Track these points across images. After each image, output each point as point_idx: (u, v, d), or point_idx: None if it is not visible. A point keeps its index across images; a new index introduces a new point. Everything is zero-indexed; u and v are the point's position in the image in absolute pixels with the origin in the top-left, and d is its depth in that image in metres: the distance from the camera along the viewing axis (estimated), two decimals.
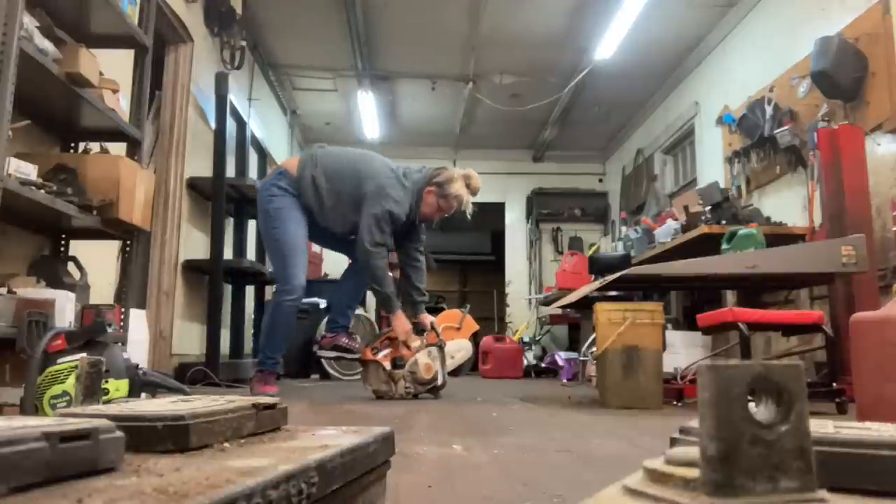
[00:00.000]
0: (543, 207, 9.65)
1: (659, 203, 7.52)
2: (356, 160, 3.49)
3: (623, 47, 6.13)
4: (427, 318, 3.58)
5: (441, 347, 3.47)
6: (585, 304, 4.09)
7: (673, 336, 4.15)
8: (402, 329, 3.43)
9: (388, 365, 3.39)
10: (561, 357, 6.56)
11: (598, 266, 5.31)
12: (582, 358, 5.32)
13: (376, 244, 3.35)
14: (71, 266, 2.99)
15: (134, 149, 3.12)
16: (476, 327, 3.94)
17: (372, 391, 3.45)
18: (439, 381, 3.44)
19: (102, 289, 3.27)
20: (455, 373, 3.77)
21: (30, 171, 2.34)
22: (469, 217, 3.53)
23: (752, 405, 0.40)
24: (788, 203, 4.87)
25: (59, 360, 1.94)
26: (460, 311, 3.87)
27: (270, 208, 3.43)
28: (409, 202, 3.40)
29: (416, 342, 3.46)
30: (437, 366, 3.43)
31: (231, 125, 5.20)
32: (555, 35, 6.41)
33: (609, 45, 6.08)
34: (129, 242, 3.07)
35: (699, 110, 6.67)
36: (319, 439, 0.70)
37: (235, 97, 5.62)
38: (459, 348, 3.67)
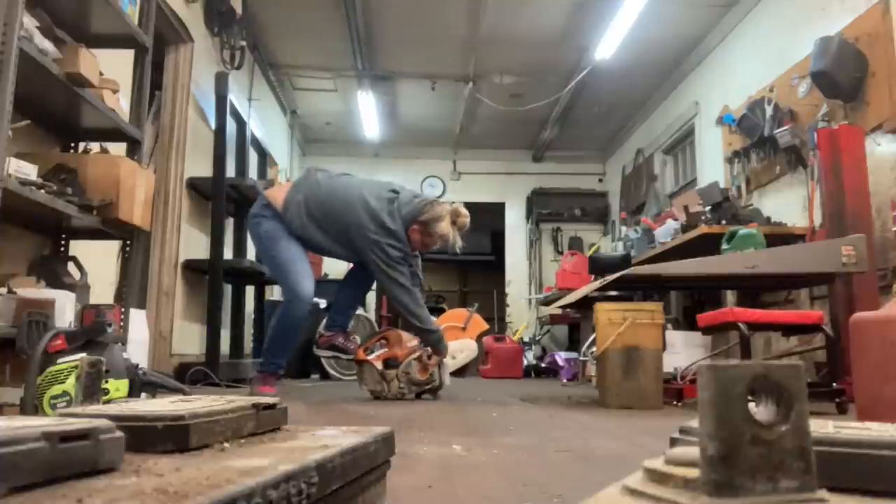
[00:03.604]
0: (543, 207, 9.65)
1: (659, 203, 7.52)
2: (341, 205, 3.32)
3: (623, 47, 6.13)
4: None
5: None
6: (585, 304, 4.09)
7: (673, 336, 4.14)
8: (443, 359, 3.45)
9: (379, 365, 3.38)
10: (561, 357, 6.56)
11: (598, 266, 5.31)
12: (582, 358, 5.31)
13: (408, 292, 3.30)
14: (71, 266, 2.99)
15: (134, 149, 3.12)
16: (484, 327, 3.89)
17: (368, 391, 3.44)
18: (437, 382, 3.43)
19: (102, 289, 3.27)
20: (460, 373, 3.73)
21: (30, 171, 2.34)
22: (459, 250, 3.49)
23: (752, 405, 0.40)
24: (788, 203, 4.87)
25: (59, 360, 1.94)
26: (467, 311, 3.82)
27: (261, 232, 3.39)
28: (405, 238, 3.34)
29: (412, 342, 3.45)
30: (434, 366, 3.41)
31: (231, 125, 5.19)
32: (555, 35, 6.41)
33: (609, 44, 6.07)
34: (129, 242, 3.07)
35: (699, 110, 6.67)
36: (319, 439, 0.70)
37: (235, 97, 5.61)
38: (462, 348, 3.65)
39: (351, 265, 3.78)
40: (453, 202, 3.55)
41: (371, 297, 8.49)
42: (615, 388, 3.04)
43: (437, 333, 3.39)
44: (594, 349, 3.31)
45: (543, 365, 7.53)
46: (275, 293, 6.77)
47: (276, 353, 3.38)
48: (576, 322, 7.53)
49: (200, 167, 4.96)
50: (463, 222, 3.45)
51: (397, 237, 3.29)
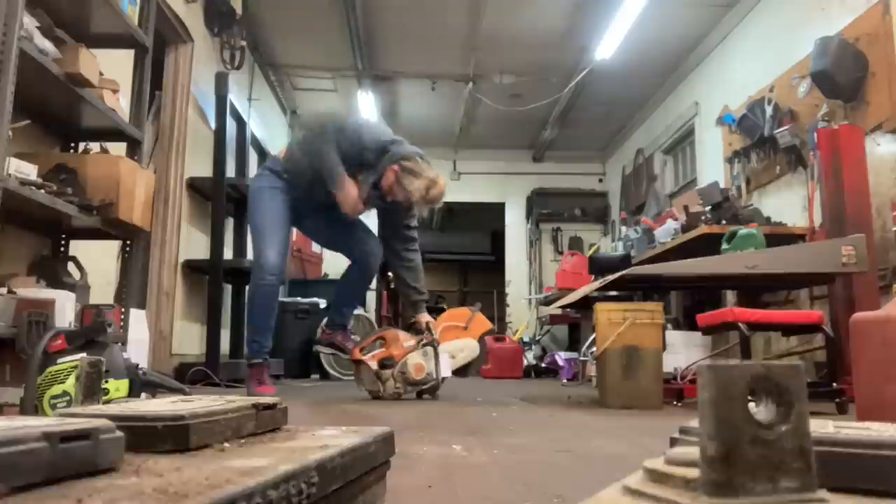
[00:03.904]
0: (543, 207, 9.65)
1: (659, 203, 7.52)
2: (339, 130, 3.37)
3: (623, 47, 6.13)
4: (424, 318, 3.58)
5: (434, 347, 3.45)
6: (585, 304, 4.09)
7: (673, 336, 4.14)
8: (344, 199, 3.24)
9: (374, 365, 3.38)
10: (561, 357, 6.56)
11: (598, 266, 5.30)
12: (582, 358, 5.31)
13: (323, 130, 3.23)
14: (71, 266, 2.99)
15: (134, 149, 3.12)
16: (487, 326, 3.84)
17: (366, 391, 3.44)
18: (435, 382, 3.42)
19: (102, 289, 3.27)
20: (461, 373, 3.72)
21: (30, 171, 2.34)
22: (418, 220, 3.45)
23: (752, 405, 0.40)
24: (788, 203, 4.87)
25: (59, 360, 1.94)
26: (469, 310, 3.79)
27: (253, 190, 3.45)
28: (379, 148, 3.26)
29: (410, 342, 3.44)
30: (431, 366, 3.40)
31: (231, 125, 5.19)
32: (555, 35, 6.41)
33: (609, 45, 6.08)
34: (129, 242, 3.07)
35: (699, 110, 6.67)
36: (319, 439, 0.70)
37: (235, 97, 5.61)
38: (463, 348, 3.63)
39: (349, 264, 3.77)
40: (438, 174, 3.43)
41: (371, 297, 8.50)
42: (615, 388, 3.04)
43: (328, 171, 3.22)
44: (594, 349, 3.31)
45: (543, 365, 7.53)
46: None
47: (254, 331, 3.38)
48: (576, 322, 7.53)
49: (200, 167, 4.95)
50: (435, 195, 3.31)
51: (359, 135, 3.24)
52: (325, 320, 3.77)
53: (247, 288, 5.82)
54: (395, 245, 3.61)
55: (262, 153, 7.02)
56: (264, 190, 3.39)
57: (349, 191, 3.23)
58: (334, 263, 7.43)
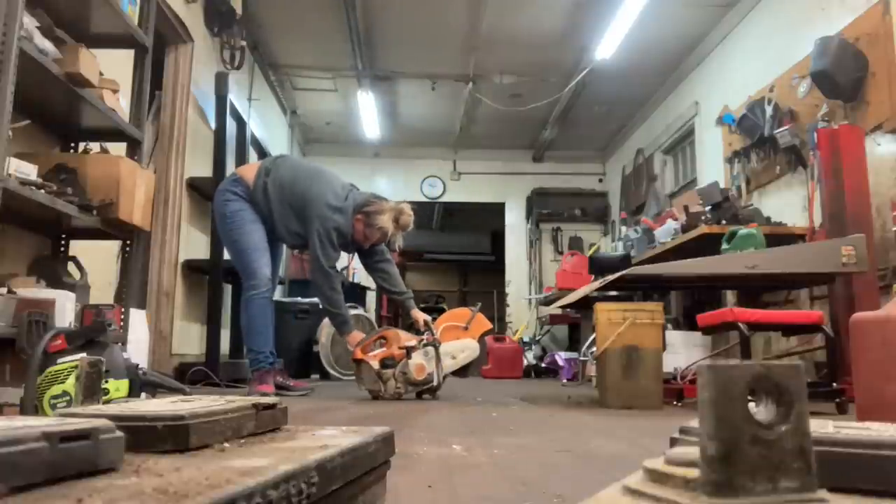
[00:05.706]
0: (543, 207, 9.65)
1: (659, 203, 7.52)
2: (306, 176, 3.61)
3: (623, 47, 6.13)
4: (421, 316, 3.59)
5: (436, 347, 3.45)
6: (585, 304, 4.09)
7: (673, 336, 4.14)
8: (352, 344, 3.55)
9: (376, 364, 3.38)
10: (561, 357, 6.56)
11: (598, 266, 5.30)
12: (582, 358, 5.31)
13: (331, 266, 3.52)
14: (71, 266, 2.99)
15: (134, 149, 3.12)
16: (487, 326, 3.86)
17: (367, 390, 3.44)
18: (434, 382, 3.42)
19: (102, 289, 3.27)
20: (461, 373, 3.74)
21: (30, 171, 2.34)
22: (397, 248, 3.64)
23: (752, 405, 0.40)
24: (788, 203, 4.87)
25: (59, 360, 1.94)
26: (469, 310, 3.79)
27: (227, 211, 3.56)
28: (349, 225, 3.54)
29: (411, 341, 3.44)
30: (432, 366, 3.40)
31: (231, 125, 5.19)
32: (555, 35, 6.41)
33: (609, 44, 6.07)
34: (129, 242, 3.07)
35: (699, 110, 6.67)
36: (319, 439, 0.70)
37: (235, 97, 5.61)
38: (463, 348, 3.64)
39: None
40: (400, 202, 3.67)
41: (371, 297, 8.50)
42: (615, 388, 3.04)
43: (341, 317, 3.56)
44: (594, 349, 3.30)
45: (543, 365, 7.53)
46: None
47: (258, 344, 3.49)
48: (576, 322, 7.53)
49: (200, 167, 4.95)
50: (405, 221, 3.61)
51: (345, 217, 3.50)
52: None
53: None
54: (369, 262, 3.80)
55: (262, 153, 7.02)
56: (244, 211, 3.56)
57: (356, 338, 3.52)
58: None
